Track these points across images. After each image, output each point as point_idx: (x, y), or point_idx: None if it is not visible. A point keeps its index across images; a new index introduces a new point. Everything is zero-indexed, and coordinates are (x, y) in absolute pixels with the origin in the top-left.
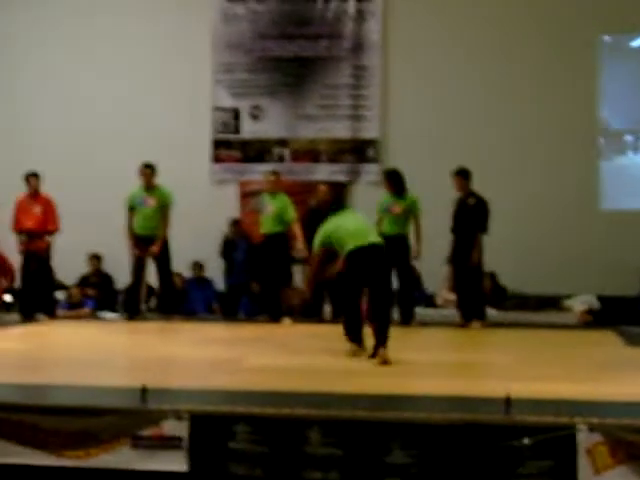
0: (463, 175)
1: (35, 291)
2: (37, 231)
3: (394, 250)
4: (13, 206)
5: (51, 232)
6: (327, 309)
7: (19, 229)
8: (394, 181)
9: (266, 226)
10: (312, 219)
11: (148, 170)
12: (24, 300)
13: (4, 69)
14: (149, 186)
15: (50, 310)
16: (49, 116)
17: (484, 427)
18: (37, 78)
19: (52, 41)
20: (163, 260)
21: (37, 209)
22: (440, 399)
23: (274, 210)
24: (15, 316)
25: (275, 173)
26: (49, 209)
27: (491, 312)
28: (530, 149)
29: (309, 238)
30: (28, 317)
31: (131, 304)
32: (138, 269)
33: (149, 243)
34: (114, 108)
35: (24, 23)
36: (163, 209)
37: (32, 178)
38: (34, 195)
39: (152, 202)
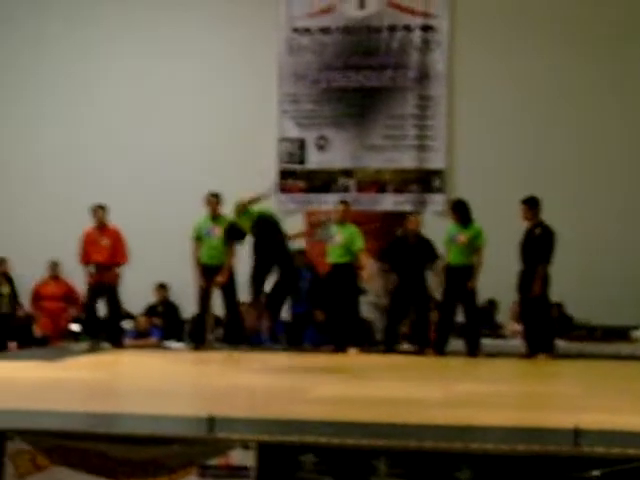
0: (529, 204)
1: (101, 321)
2: (106, 264)
3: (460, 280)
4: (80, 239)
5: (120, 264)
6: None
7: (87, 262)
8: (460, 211)
9: (333, 256)
10: (395, 248)
11: (214, 199)
12: (89, 329)
13: (67, 99)
14: (215, 215)
15: (117, 340)
16: (114, 148)
17: (553, 458)
18: (100, 109)
19: (115, 73)
20: (229, 290)
21: (105, 241)
22: (508, 430)
23: (342, 240)
24: (83, 345)
25: (344, 203)
26: (118, 241)
27: (558, 343)
28: (596, 179)
29: (395, 268)
30: (94, 346)
31: (197, 333)
32: (204, 299)
33: (216, 273)
34: (181, 139)
35: (89, 51)
36: None
37: (99, 210)
38: (101, 227)
39: (218, 232)
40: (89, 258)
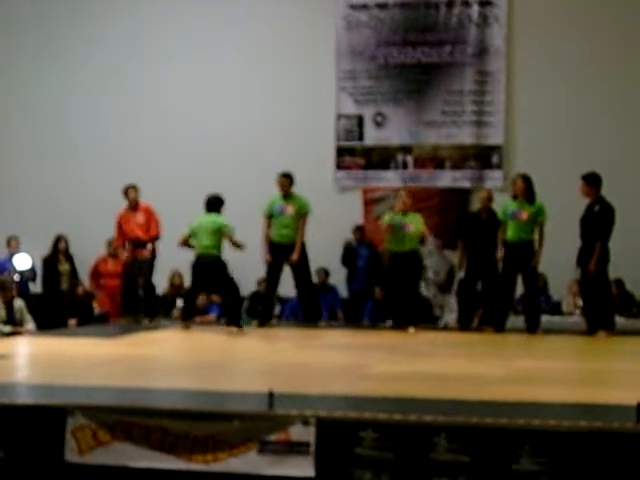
0: (588, 180)
1: (138, 296)
2: (142, 239)
3: (520, 257)
4: (116, 221)
5: (153, 238)
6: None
7: (122, 243)
8: (528, 186)
9: (408, 244)
10: (468, 224)
11: (285, 179)
12: (128, 306)
13: (100, 78)
14: (286, 194)
15: (153, 314)
16: (165, 128)
17: (615, 435)
18: (135, 86)
19: (163, 51)
20: (302, 268)
21: (140, 218)
22: (569, 406)
23: (414, 229)
24: (136, 322)
25: (406, 190)
26: (150, 217)
27: (618, 320)
28: None
29: (467, 244)
30: (137, 322)
31: (264, 311)
32: (273, 276)
33: (285, 251)
34: (238, 116)
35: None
36: (302, 217)
37: (131, 190)
38: (134, 206)
39: (290, 210)
40: (125, 236)
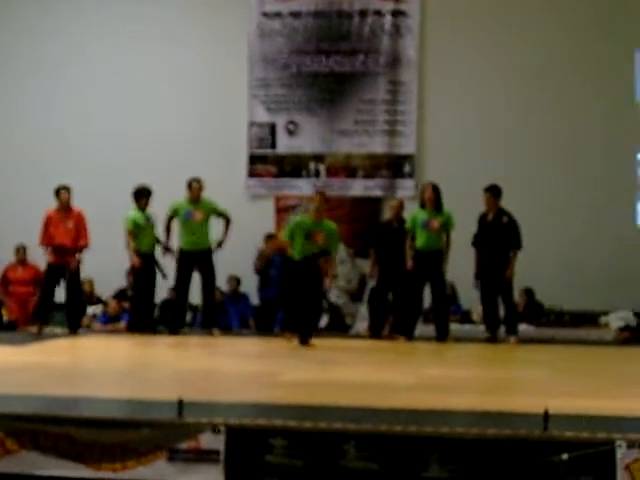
0: (494, 192)
1: (53, 304)
2: (69, 247)
3: (429, 265)
4: (43, 219)
5: (82, 247)
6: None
7: (48, 243)
8: (437, 195)
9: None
10: (380, 233)
11: (197, 184)
12: (43, 312)
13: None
14: (196, 199)
15: (75, 326)
16: (87, 132)
17: (522, 442)
18: (77, 93)
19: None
20: (209, 274)
21: (69, 224)
22: (477, 414)
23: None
24: (56, 329)
25: (321, 193)
26: (81, 224)
27: (527, 328)
28: (566, 165)
29: (378, 253)
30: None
31: (177, 318)
32: (184, 283)
33: (195, 257)
34: (149, 122)
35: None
36: (222, 216)
37: (63, 191)
38: (66, 209)
39: (199, 216)
40: (51, 240)
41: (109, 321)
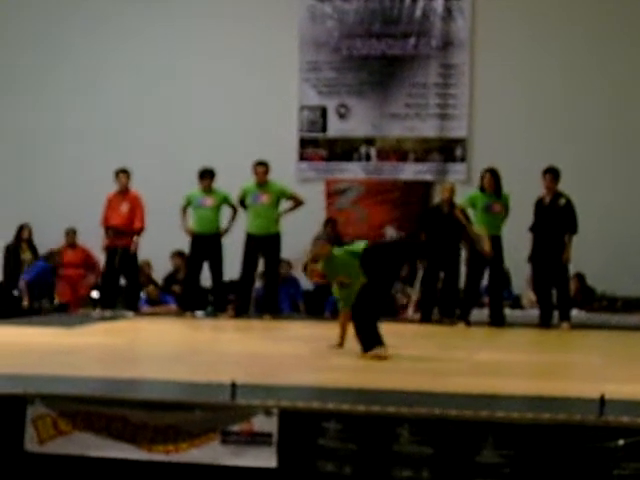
0: (554, 174)
1: (117, 287)
2: (123, 228)
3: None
4: (104, 203)
5: (136, 230)
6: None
7: (106, 225)
8: (497, 180)
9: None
10: (430, 217)
11: (261, 167)
12: (106, 295)
13: (98, 66)
14: (262, 182)
15: (134, 307)
16: (142, 114)
17: (578, 428)
18: (125, 75)
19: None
20: (274, 259)
21: (125, 206)
22: (532, 399)
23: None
24: (101, 312)
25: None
26: (137, 207)
27: (579, 314)
28: (623, 148)
29: (429, 237)
30: (110, 310)
31: (243, 301)
32: (250, 266)
33: (260, 241)
34: (205, 108)
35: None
36: (292, 199)
37: (122, 175)
38: (124, 192)
39: (265, 199)
40: (108, 222)
41: (151, 304)
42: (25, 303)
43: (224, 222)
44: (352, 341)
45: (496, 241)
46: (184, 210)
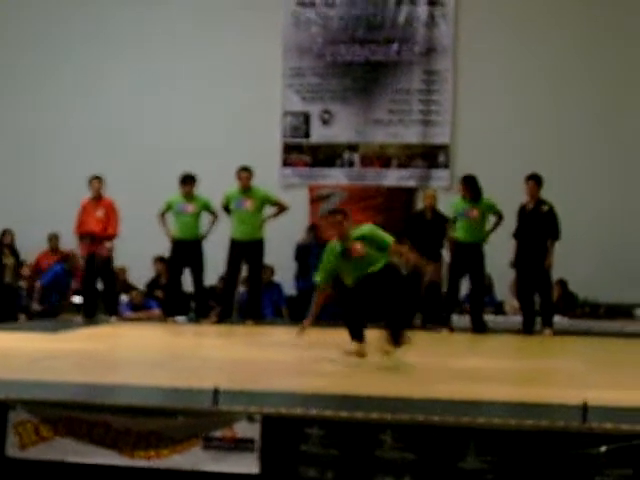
0: (537, 180)
1: (97, 293)
2: (99, 235)
3: (469, 257)
4: (78, 209)
5: (110, 236)
6: None
7: (81, 232)
8: (471, 186)
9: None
10: (413, 223)
11: (245, 173)
12: (87, 302)
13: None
14: (245, 188)
15: (113, 311)
16: (119, 120)
17: (560, 434)
18: (106, 87)
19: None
20: (256, 265)
21: (100, 212)
22: (515, 405)
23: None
24: (82, 317)
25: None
26: (111, 213)
27: (562, 320)
28: (604, 156)
29: (411, 243)
30: (91, 318)
31: (226, 307)
32: (234, 272)
33: (244, 246)
34: (184, 113)
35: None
36: (277, 205)
37: (95, 181)
38: (97, 198)
39: (249, 204)
40: (83, 229)
41: (135, 310)
42: (36, 307)
43: (205, 228)
44: (332, 347)
45: (476, 248)
46: (162, 215)
